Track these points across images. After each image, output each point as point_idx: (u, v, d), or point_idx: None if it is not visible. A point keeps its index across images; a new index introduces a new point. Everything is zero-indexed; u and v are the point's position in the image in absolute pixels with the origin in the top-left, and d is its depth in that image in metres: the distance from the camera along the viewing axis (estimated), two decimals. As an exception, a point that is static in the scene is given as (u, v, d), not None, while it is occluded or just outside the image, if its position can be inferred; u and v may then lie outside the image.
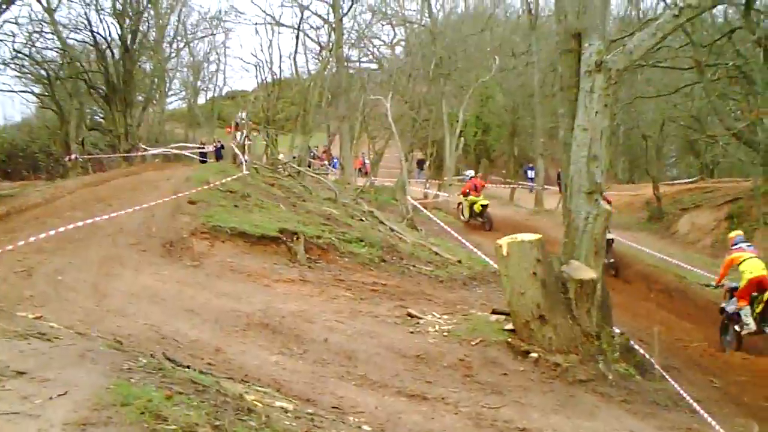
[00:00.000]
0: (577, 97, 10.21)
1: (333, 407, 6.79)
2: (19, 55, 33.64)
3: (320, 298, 11.67)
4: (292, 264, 13.68)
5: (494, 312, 10.74)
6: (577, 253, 10.18)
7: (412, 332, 10.04)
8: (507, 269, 9.54)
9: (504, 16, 46.14)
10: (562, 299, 9.59)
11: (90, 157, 34.65)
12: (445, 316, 10.95)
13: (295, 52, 40.49)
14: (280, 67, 41.61)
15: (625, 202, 33.70)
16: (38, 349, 4.74)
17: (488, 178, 38.48)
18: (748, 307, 13.84)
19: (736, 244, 14.77)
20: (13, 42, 30.73)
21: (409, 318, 10.69)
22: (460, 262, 16.69)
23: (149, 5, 38.06)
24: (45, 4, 33.73)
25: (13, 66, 35.40)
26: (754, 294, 13.88)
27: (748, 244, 15.12)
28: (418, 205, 24.47)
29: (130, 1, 36.11)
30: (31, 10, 32.54)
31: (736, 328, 14.10)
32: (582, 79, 10.13)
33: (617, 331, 10.55)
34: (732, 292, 14.40)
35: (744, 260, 14.13)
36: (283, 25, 39.90)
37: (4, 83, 43.00)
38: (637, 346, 10.49)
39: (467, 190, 25.86)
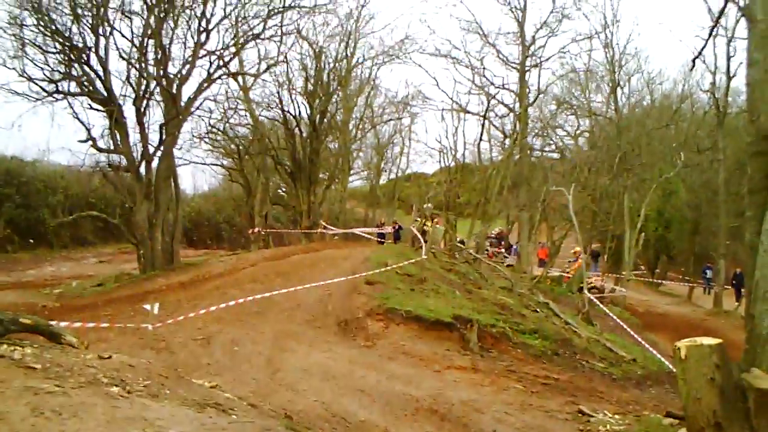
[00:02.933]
0: (766, 201, 9.85)
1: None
2: (214, 129, 35.03)
3: (491, 388, 11.47)
4: (464, 351, 13.51)
5: (668, 415, 10.33)
6: (759, 361, 9.72)
7: (581, 430, 9.76)
8: (684, 373, 9.19)
9: (690, 111, 45.13)
10: (741, 408, 9.16)
11: (272, 230, 35.51)
12: (617, 416, 10.60)
13: (480, 139, 40.67)
14: (464, 153, 41.74)
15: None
16: (218, 423, 4.82)
17: (667, 275, 37.50)
18: None
19: None
20: (209, 117, 32.04)
21: (579, 415, 10.40)
22: (634, 360, 16.22)
23: (338, 87, 39.03)
24: (241, 83, 35.11)
25: (207, 140, 36.89)
26: None
27: None
28: (594, 299, 24.00)
29: (321, 83, 37.12)
30: (228, 88, 33.89)
31: None
32: (774, 184, 9.77)
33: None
34: None
35: None
36: (469, 112, 40.20)
37: (197, 155, 44.79)
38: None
39: None
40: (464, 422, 9.31)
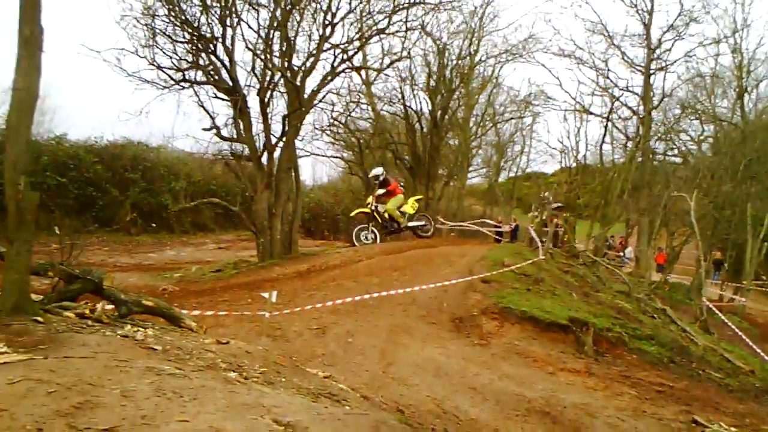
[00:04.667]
0: None
1: None
2: (335, 122, 35.27)
3: (604, 392, 11.29)
4: (579, 355, 13.32)
5: (789, 430, 10.08)
6: None
7: (695, 440, 9.58)
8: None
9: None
10: None
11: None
12: (733, 429, 10.35)
13: (602, 141, 40.24)
14: (585, 154, 41.18)
15: None
16: (333, 414, 4.84)
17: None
18: None
19: None
20: (332, 111, 32.25)
21: (693, 425, 10.18)
22: (752, 372, 15.79)
23: (461, 84, 38.94)
24: (364, 77, 35.36)
25: (328, 132, 37.19)
26: None
27: None
28: (713, 308, 23.47)
29: (443, 79, 37.10)
30: (351, 81, 34.06)
31: None
32: None
33: None
34: None
35: None
36: (592, 113, 39.82)
37: (317, 147, 45.20)
38: None
39: None
40: (576, 426, 9.21)
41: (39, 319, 6.91)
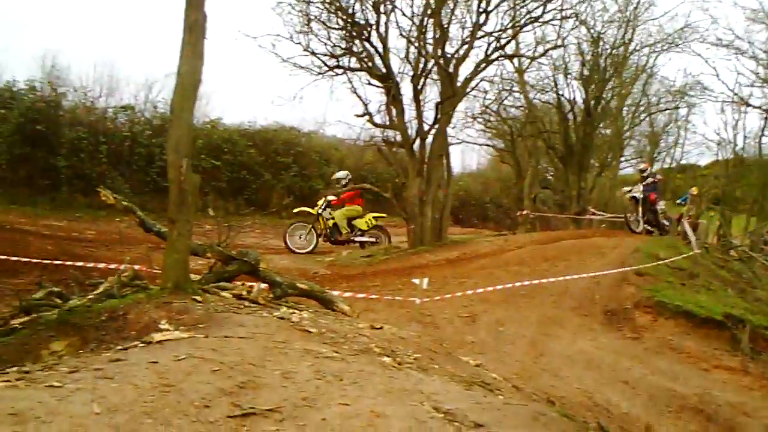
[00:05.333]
0: None
1: None
2: (488, 110, 35.11)
3: (761, 392, 10.94)
4: (734, 352, 12.91)
5: None
6: None
7: None
8: None
9: None
10: None
11: (539, 214, 35.32)
12: None
13: (761, 134, 39.01)
14: (743, 147, 39.97)
15: None
16: (492, 403, 4.82)
17: None
18: None
19: None
20: (484, 98, 32.06)
21: None
22: None
23: (615, 74, 38.27)
24: (516, 65, 35.10)
25: (480, 120, 37.07)
26: None
27: None
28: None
29: (597, 68, 36.54)
30: (504, 69, 33.81)
31: None
32: None
33: None
34: None
35: None
36: (751, 105, 38.61)
37: (468, 135, 45.05)
38: None
39: None
40: (731, 425, 8.99)
41: (198, 298, 7.12)
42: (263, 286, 8.46)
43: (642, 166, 26.41)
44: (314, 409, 4.02)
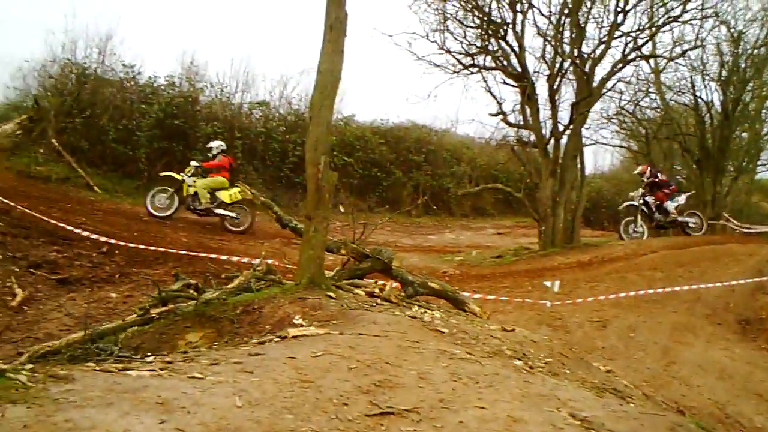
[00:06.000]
0: None
1: None
2: (623, 111, 34.63)
3: None
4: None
5: None
6: None
7: None
8: None
9: None
10: None
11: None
12: None
13: None
14: None
15: None
16: (628, 412, 4.79)
17: None
18: None
19: None
20: (620, 99, 31.65)
21: None
22: None
23: (755, 75, 37.22)
24: (653, 66, 34.47)
25: (614, 121, 36.57)
26: None
27: None
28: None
29: (737, 70, 35.61)
30: (641, 70, 33.24)
31: None
32: None
33: None
34: None
35: None
36: None
37: (602, 136, 44.38)
38: None
39: None
40: None
41: (331, 294, 7.26)
42: (395, 284, 8.56)
43: (639, 169, 25.49)
44: (451, 412, 4.08)
